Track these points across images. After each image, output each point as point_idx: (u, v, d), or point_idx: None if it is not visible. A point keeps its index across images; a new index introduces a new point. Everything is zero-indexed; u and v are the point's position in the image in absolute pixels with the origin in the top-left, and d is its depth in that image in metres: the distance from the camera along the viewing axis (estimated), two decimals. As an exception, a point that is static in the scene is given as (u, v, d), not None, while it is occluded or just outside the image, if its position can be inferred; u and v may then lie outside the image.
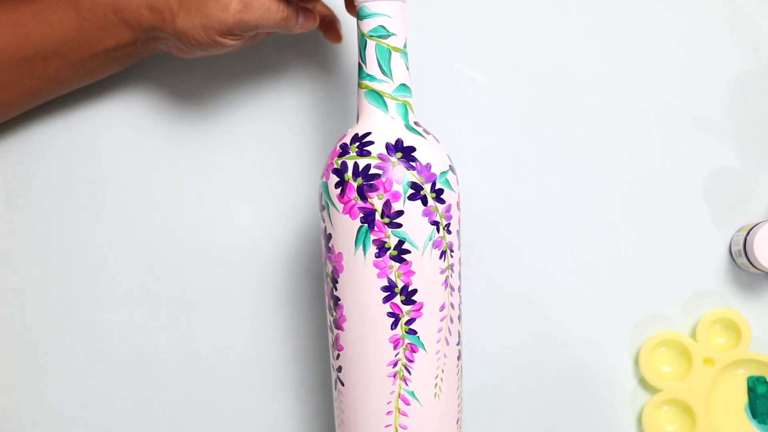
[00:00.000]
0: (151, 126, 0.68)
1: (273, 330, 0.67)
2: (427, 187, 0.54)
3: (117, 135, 0.68)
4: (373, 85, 0.55)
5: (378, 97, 0.55)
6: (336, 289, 0.56)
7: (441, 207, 0.54)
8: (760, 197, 0.67)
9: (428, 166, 0.54)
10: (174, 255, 0.68)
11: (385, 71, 0.55)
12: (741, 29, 0.68)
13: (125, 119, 0.68)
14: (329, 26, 0.65)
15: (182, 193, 0.68)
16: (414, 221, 0.54)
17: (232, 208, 0.68)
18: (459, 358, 0.57)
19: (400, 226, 0.54)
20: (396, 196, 0.53)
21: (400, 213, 0.54)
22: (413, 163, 0.54)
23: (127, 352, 0.67)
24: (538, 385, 0.67)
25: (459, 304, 0.57)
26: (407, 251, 0.54)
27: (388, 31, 0.55)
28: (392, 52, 0.55)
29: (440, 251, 0.55)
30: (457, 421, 0.57)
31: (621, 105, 0.68)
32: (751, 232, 0.64)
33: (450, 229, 0.55)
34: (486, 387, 0.67)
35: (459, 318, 0.57)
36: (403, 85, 0.56)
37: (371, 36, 0.55)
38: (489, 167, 0.68)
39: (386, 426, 0.55)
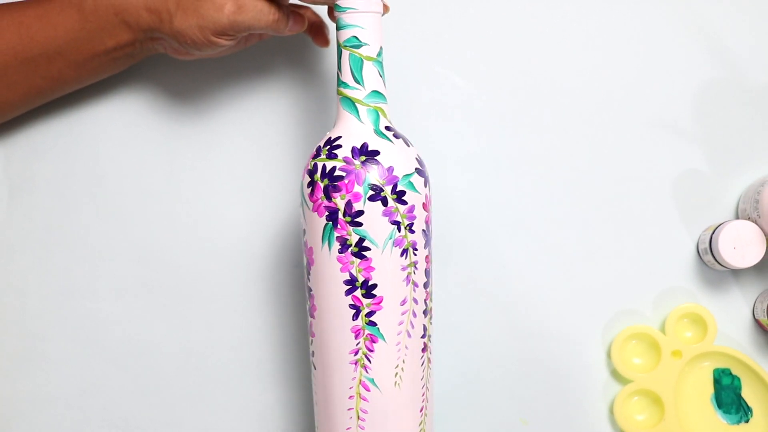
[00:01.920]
0: (147, 126, 0.70)
1: (262, 321, 0.69)
2: (388, 189, 0.56)
3: (116, 135, 0.69)
4: (347, 92, 0.58)
5: (350, 103, 0.58)
6: (309, 281, 0.59)
7: (402, 208, 0.56)
8: (725, 198, 0.69)
9: (390, 169, 0.56)
10: (168, 250, 0.69)
11: (357, 79, 0.57)
12: (708, 40, 0.70)
13: (123, 120, 0.69)
14: (317, 31, 0.66)
15: (177, 191, 0.69)
16: (374, 221, 0.56)
17: (224, 204, 0.69)
18: (424, 350, 0.59)
19: (360, 225, 0.56)
20: (357, 196, 0.56)
21: (360, 213, 0.56)
22: (375, 166, 0.56)
23: (123, 341, 0.69)
24: (515, 376, 0.68)
25: (425, 300, 0.59)
26: (367, 248, 0.56)
27: (360, 41, 0.57)
28: (364, 61, 0.57)
29: (401, 249, 0.57)
30: (422, 410, 0.59)
31: (595, 110, 0.70)
32: (716, 231, 0.66)
33: (413, 228, 0.57)
34: (464, 378, 0.68)
35: (425, 312, 0.59)
36: (375, 92, 0.58)
37: (345, 46, 0.57)
38: (468, 168, 0.69)
39: (349, 409, 0.58)
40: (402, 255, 0.57)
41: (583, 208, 0.69)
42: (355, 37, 0.57)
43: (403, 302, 0.57)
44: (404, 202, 0.57)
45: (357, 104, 0.58)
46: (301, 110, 0.70)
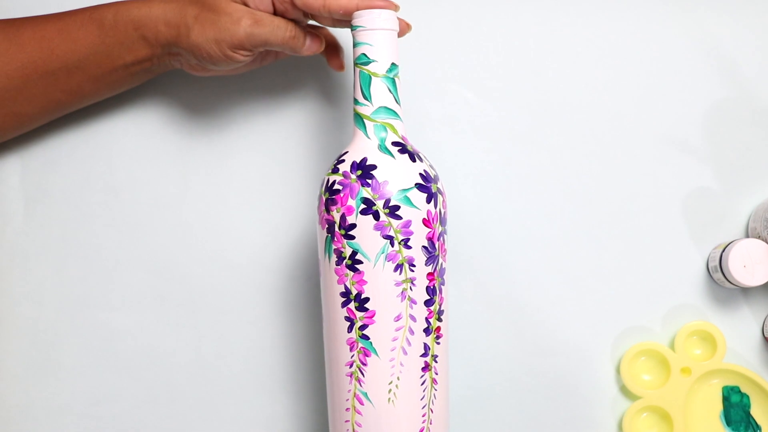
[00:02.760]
0: (162, 139, 0.70)
1: (274, 333, 0.69)
2: (380, 203, 0.57)
3: (131, 147, 0.70)
4: (358, 108, 0.59)
5: (359, 119, 0.59)
6: (320, 291, 0.60)
7: (396, 223, 0.57)
8: (735, 216, 0.69)
9: (384, 184, 0.57)
10: (182, 261, 0.70)
11: (366, 95, 0.58)
12: (719, 60, 0.71)
13: (139, 133, 0.70)
14: (333, 54, 0.67)
15: (191, 203, 0.70)
16: (366, 234, 0.57)
17: (237, 217, 0.70)
18: (426, 370, 0.58)
19: (353, 238, 0.57)
20: (350, 210, 0.57)
21: (353, 226, 0.57)
22: (369, 181, 0.57)
23: (136, 351, 0.69)
24: (525, 390, 0.69)
25: (428, 318, 0.58)
26: (360, 261, 0.57)
27: (369, 59, 0.58)
28: (372, 77, 0.58)
29: (395, 264, 0.57)
30: (422, 431, 0.58)
31: (607, 128, 0.70)
32: (726, 249, 0.67)
33: (409, 244, 0.57)
34: (474, 391, 0.69)
35: (427, 331, 0.58)
36: (384, 107, 0.58)
37: (357, 63, 0.59)
38: (480, 182, 0.70)
39: (345, 421, 0.59)
40: (396, 270, 0.57)
41: (593, 224, 0.70)
42: (364, 54, 0.58)
43: (398, 318, 0.57)
44: (398, 217, 0.57)
45: (365, 120, 0.59)
46: (317, 125, 0.70)
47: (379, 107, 0.58)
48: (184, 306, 0.70)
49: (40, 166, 0.70)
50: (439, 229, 0.58)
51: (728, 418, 0.68)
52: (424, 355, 0.58)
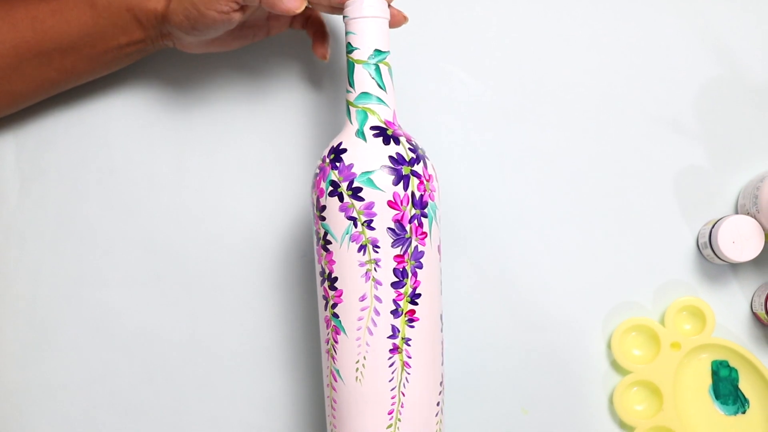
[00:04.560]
0: (158, 119, 0.70)
1: (269, 311, 0.70)
2: (344, 185, 0.58)
3: (127, 127, 0.70)
4: (346, 95, 0.60)
5: (346, 105, 0.60)
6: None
7: (359, 204, 0.58)
8: (725, 194, 0.70)
9: (350, 166, 0.58)
10: (178, 240, 0.70)
11: (350, 82, 0.60)
12: (710, 38, 0.71)
13: (134, 113, 0.70)
14: (319, 40, 0.67)
15: (186, 183, 0.70)
16: (333, 215, 0.58)
17: (233, 197, 0.70)
18: (395, 352, 0.58)
19: (324, 219, 0.59)
20: (321, 192, 0.59)
21: (324, 207, 0.59)
22: (338, 164, 0.58)
23: (132, 330, 0.70)
24: (516, 366, 0.69)
25: (397, 300, 0.58)
26: (330, 242, 0.59)
27: (353, 47, 0.59)
28: (355, 64, 0.59)
29: (359, 245, 0.58)
30: (390, 413, 0.58)
31: (598, 106, 0.71)
32: (715, 226, 0.67)
33: (372, 225, 0.58)
34: (466, 368, 0.69)
35: (396, 313, 0.58)
36: (365, 93, 0.59)
37: (346, 52, 0.60)
38: (474, 162, 0.70)
39: (327, 397, 0.60)
40: (360, 251, 0.58)
41: (585, 203, 0.71)
42: (349, 43, 0.60)
43: (362, 298, 0.58)
44: (360, 199, 0.58)
45: (349, 106, 0.60)
46: (314, 108, 0.71)
47: (361, 93, 0.59)
48: (180, 285, 0.70)
49: (36, 145, 0.70)
50: (411, 211, 0.58)
51: (717, 391, 0.69)
52: (393, 336, 0.58)
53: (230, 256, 0.70)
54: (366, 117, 0.59)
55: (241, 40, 0.67)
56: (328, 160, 0.59)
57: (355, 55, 0.59)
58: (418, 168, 0.59)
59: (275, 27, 0.68)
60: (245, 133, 0.71)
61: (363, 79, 0.59)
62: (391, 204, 0.58)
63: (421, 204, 0.59)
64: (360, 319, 0.58)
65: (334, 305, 0.59)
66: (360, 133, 0.59)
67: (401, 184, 0.58)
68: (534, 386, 0.69)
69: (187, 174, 0.70)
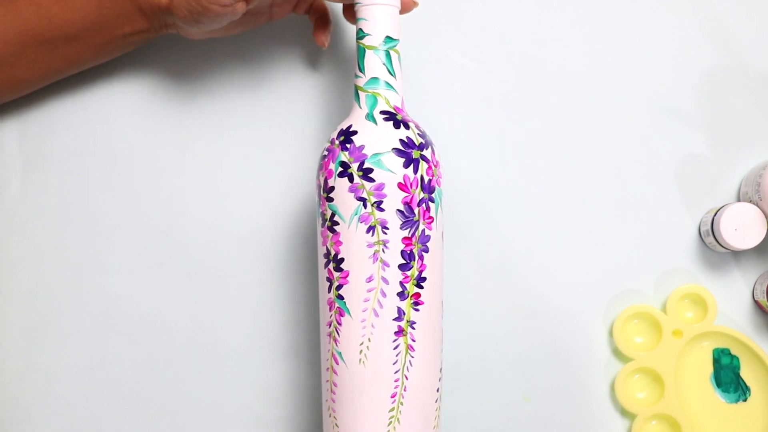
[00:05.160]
0: (161, 106, 0.70)
1: (271, 298, 0.70)
2: (355, 166, 0.58)
3: (129, 114, 0.70)
4: (355, 80, 0.61)
5: (355, 90, 0.61)
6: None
7: (369, 185, 0.58)
8: (727, 182, 0.70)
9: (361, 148, 0.58)
10: (180, 227, 0.70)
11: (360, 67, 0.60)
12: (712, 27, 0.71)
13: (137, 98, 0.70)
14: (320, 27, 0.67)
15: (189, 168, 0.70)
16: (342, 196, 0.59)
17: (235, 183, 0.70)
18: (400, 334, 0.59)
19: (332, 200, 0.59)
20: (330, 173, 0.59)
21: (332, 188, 0.59)
22: (348, 145, 0.59)
23: (134, 316, 0.70)
24: (519, 354, 0.69)
25: (403, 282, 0.58)
26: (337, 223, 0.59)
27: (364, 33, 0.60)
28: (366, 50, 0.60)
29: (367, 226, 0.58)
30: (393, 396, 0.59)
31: (600, 95, 0.71)
32: (717, 213, 0.68)
33: (382, 207, 0.58)
34: (469, 355, 0.69)
35: (402, 295, 0.58)
36: (375, 78, 0.60)
37: (357, 38, 0.61)
38: (477, 150, 0.71)
39: (326, 381, 0.61)
40: (368, 232, 0.58)
41: (588, 191, 0.71)
42: (360, 29, 0.60)
43: (369, 279, 0.58)
44: (371, 180, 0.58)
45: (359, 91, 0.61)
46: (318, 93, 0.71)
47: (371, 78, 0.60)
48: (182, 272, 0.70)
49: (38, 131, 0.70)
50: (420, 195, 0.59)
51: (718, 379, 0.69)
52: (398, 319, 0.59)
53: (232, 243, 0.70)
54: (376, 101, 0.60)
55: (243, 25, 0.67)
56: (337, 142, 0.60)
57: (366, 41, 0.60)
58: (427, 153, 0.60)
59: (278, 12, 0.68)
60: (247, 119, 0.71)
61: (374, 65, 0.60)
62: (401, 186, 0.58)
63: (429, 188, 0.59)
64: (366, 300, 0.58)
65: (339, 287, 0.59)
66: (370, 117, 0.60)
67: (411, 167, 0.58)
68: (536, 374, 0.70)
69: (190, 161, 0.71)
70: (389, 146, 0.58)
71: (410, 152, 0.59)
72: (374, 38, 0.60)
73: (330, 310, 0.60)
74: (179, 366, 0.70)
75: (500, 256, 0.70)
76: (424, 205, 0.59)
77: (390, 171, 0.58)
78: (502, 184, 0.71)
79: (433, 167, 0.60)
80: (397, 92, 0.60)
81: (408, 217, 0.59)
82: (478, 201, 0.70)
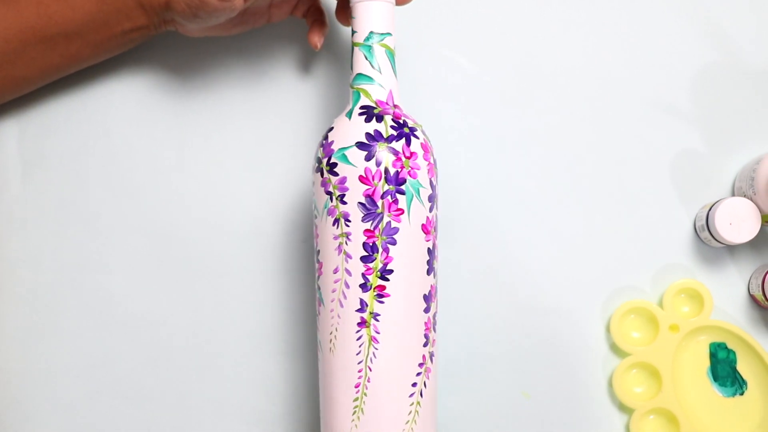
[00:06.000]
0: (160, 105, 0.71)
1: (270, 295, 0.70)
2: (324, 161, 0.60)
3: (128, 111, 0.71)
4: (349, 78, 0.62)
5: (348, 87, 0.61)
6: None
7: (334, 179, 0.59)
8: (722, 177, 0.71)
9: (331, 143, 0.60)
10: (179, 225, 0.70)
11: (351, 64, 0.62)
12: (706, 23, 0.72)
13: (136, 97, 0.71)
14: (315, 28, 0.67)
15: (188, 166, 0.71)
16: (317, 190, 0.61)
17: (234, 181, 0.70)
18: (363, 326, 0.59)
19: (313, 194, 0.61)
20: (312, 168, 0.60)
21: (313, 183, 0.61)
22: (324, 142, 0.61)
23: (134, 314, 0.70)
24: (517, 350, 0.70)
25: (366, 274, 0.59)
26: (316, 216, 0.61)
27: (354, 30, 0.61)
28: (354, 47, 0.61)
29: (333, 219, 0.59)
30: (357, 386, 0.59)
31: (596, 91, 0.71)
32: (713, 208, 0.68)
33: (345, 200, 0.59)
34: (467, 352, 0.70)
35: (365, 288, 0.59)
36: (359, 74, 0.61)
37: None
38: (472, 147, 0.71)
39: (316, 367, 0.62)
40: (334, 224, 0.59)
41: (583, 187, 0.71)
42: (352, 27, 0.62)
43: (335, 270, 0.59)
44: (336, 174, 0.59)
45: (350, 88, 0.62)
46: (313, 91, 0.71)
47: (356, 74, 0.61)
48: (182, 269, 0.70)
49: (38, 131, 0.71)
50: (384, 187, 0.59)
51: (715, 373, 0.70)
52: (360, 310, 0.59)
53: (231, 241, 0.70)
54: (359, 97, 0.61)
55: (242, 26, 0.67)
56: (321, 140, 0.61)
57: (354, 38, 0.61)
58: (397, 145, 0.59)
59: (276, 14, 0.68)
60: (246, 118, 0.71)
61: (358, 61, 0.61)
62: (362, 179, 0.59)
63: (396, 180, 0.59)
64: (333, 290, 0.60)
65: (318, 277, 0.61)
66: (349, 113, 0.61)
67: (374, 159, 0.59)
68: (534, 370, 0.70)
69: (189, 159, 0.71)
70: (353, 140, 0.59)
71: (374, 145, 0.59)
72: (359, 35, 0.61)
73: (315, 299, 0.62)
74: (179, 364, 0.70)
75: (497, 253, 0.71)
76: (389, 197, 0.59)
77: (352, 164, 0.59)
78: (498, 180, 0.71)
79: (403, 158, 0.59)
80: (381, 86, 0.61)
81: (370, 210, 0.59)
82: (474, 198, 0.71)
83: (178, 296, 0.70)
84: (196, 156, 0.71)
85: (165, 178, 0.71)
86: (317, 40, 0.67)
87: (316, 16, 0.68)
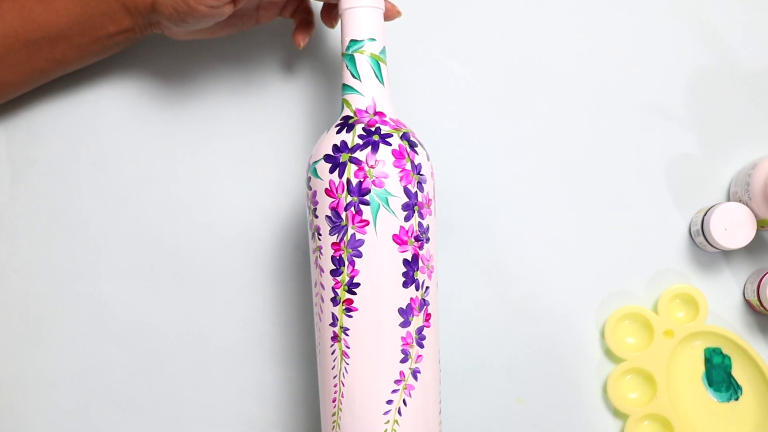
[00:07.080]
0: (149, 110, 0.70)
1: (263, 302, 0.70)
2: (306, 177, 0.60)
3: (117, 118, 0.70)
4: None
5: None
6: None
7: (309, 193, 0.59)
8: (717, 182, 0.70)
9: (311, 158, 0.60)
10: (171, 232, 0.70)
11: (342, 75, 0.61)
12: (701, 27, 0.71)
13: (125, 104, 0.70)
14: (302, 27, 0.66)
15: (179, 174, 0.70)
16: (306, 204, 0.61)
17: (225, 188, 0.70)
18: (335, 340, 0.58)
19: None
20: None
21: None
22: (311, 155, 0.60)
23: (125, 322, 0.69)
24: (510, 355, 0.69)
25: (335, 288, 0.57)
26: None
27: (342, 41, 0.60)
28: (342, 57, 0.60)
29: (311, 233, 0.59)
30: (334, 401, 0.58)
31: (590, 95, 0.71)
32: (707, 213, 0.68)
33: (317, 213, 0.58)
34: (460, 357, 0.69)
35: (335, 301, 0.57)
36: (344, 84, 0.60)
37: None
38: (466, 151, 0.70)
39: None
40: (312, 238, 0.59)
41: (578, 192, 0.71)
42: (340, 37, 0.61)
43: (315, 285, 0.59)
44: (310, 188, 0.59)
45: (341, 98, 0.61)
46: (308, 99, 0.71)
47: (342, 84, 0.60)
48: (173, 276, 0.70)
49: (26, 137, 0.70)
50: (348, 199, 0.57)
51: (710, 379, 0.70)
52: (333, 324, 0.58)
53: (223, 247, 0.70)
54: (342, 108, 0.60)
55: (230, 28, 0.66)
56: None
57: (341, 49, 0.60)
58: (360, 154, 0.57)
59: (264, 16, 0.68)
60: (237, 123, 0.71)
61: (343, 71, 0.60)
62: (328, 192, 0.58)
63: (359, 191, 0.57)
64: (315, 304, 0.60)
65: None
66: (331, 125, 0.60)
67: (336, 172, 0.57)
68: (528, 375, 0.70)
69: (179, 165, 0.70)
70: (322, 153, 0.59)
71: (338, 156, 0.58)
72: (343, 45, 0.60)
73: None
74: (172, 371, 0.70)
75: (491, 258, 0.70)
76: (353, 208, 0.57)
77: (320, 178, 0.58)
78: (492, 185, 0.71)
79: (366, 168, 0.57)
80: (362, 95, 0.59)
81: (335, 223, 0.57)
82: (469, 202, 0.70)
83: (170, 303, 0.70)
84: (186, 161, 0.70)
85: (155, 183, 0.70)
86: (301, 39, 0.66)
87: (303, 15, 0.67)
